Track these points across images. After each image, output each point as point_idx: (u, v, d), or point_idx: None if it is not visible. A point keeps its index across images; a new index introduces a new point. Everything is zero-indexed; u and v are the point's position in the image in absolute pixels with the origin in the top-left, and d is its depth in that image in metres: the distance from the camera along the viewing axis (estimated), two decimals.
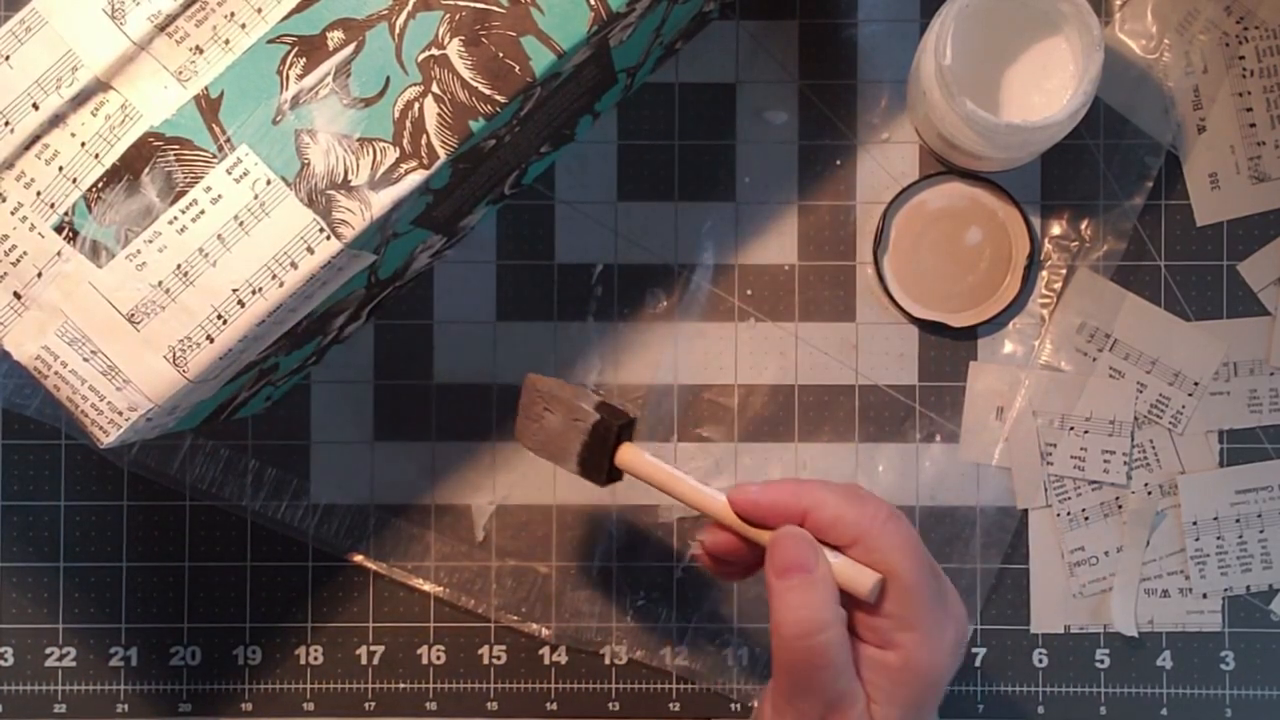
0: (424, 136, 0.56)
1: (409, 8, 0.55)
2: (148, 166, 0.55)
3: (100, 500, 0.73)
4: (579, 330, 0.73)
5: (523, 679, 0.73)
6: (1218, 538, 0.72)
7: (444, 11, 0.56)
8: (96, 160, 0.55)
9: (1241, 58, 0.72)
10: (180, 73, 0.55)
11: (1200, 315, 0.73)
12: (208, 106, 0.55)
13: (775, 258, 0.73)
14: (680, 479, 0.59)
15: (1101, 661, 0.73)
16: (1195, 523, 0.72)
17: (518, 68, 0.56)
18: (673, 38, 0.70)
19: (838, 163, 0.73)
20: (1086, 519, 0.73)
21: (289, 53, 0.55)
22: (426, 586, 0.73)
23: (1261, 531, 0.72)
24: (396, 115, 0.55)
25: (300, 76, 0.55)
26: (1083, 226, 0.73)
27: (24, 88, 0.55)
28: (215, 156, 0.55)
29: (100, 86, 0.55)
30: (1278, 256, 0.73)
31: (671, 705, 0.73)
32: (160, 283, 0.55)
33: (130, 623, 0.74)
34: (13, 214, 0.55)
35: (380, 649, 0.73)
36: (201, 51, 0.55)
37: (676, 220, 0.73)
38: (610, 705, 0.73)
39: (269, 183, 0.55)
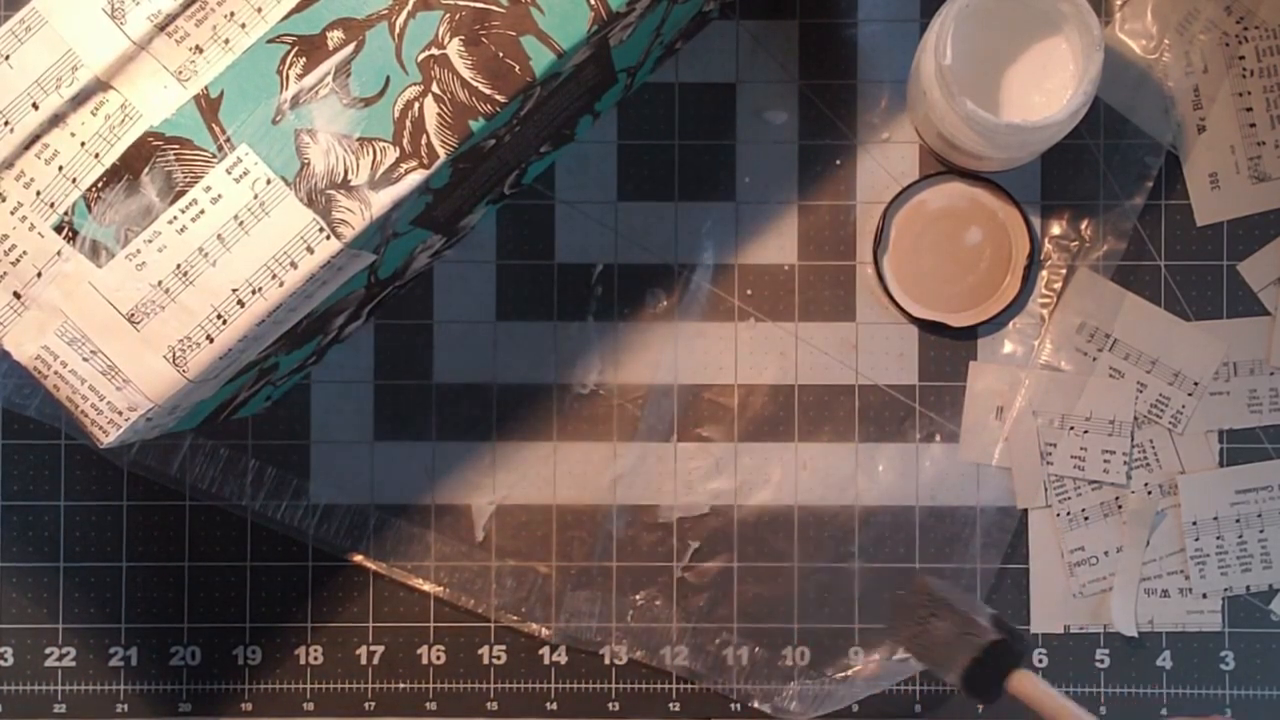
0: (424, 136, 0.56)
1: (409, 7, 0.55)
2: (148, 166, 0.55)
3: (100, 500, 0.73)
4: (579, 330, 0.73)
5: (523, 679, 0.73)
6: (1218, 538, 0.72)
7: (444, 11, 0.56)
8: (96, 160, 0.55)
9: (1241, 58, 0.72)
10: (180, 72, 0.55)
11: (1200, 315, 0.73)
12: (208, 106, 0.55)
13: (775, 258, 0.73)
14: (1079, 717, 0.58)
15: (1101, 661, 0.73)
16: (1195, 523, 0.72)
17: (518, 67, 0.56)
18: (673, 38, 0.70)
19: (838, 163, 0.73)
20: (1086, 519, 0.73)
21: (289, 52, 0.55)
22: (426, 586, 0.73)
23: (1261, 531, 0.72)
24: (396, 115, 0.55)
25: (300, 76, 0.55)
26: (1083, 226, 0.73)
27: (24, 87, 0.55)
28: (215, 156, 0.55)
29: (100, 86, 0.55)
30: (1278, 256, 0.73)
31: (671, 705, 0.73)
32: (160, 282, 0.55)
33: (130, 623, 0.74)
34: (13, 214, 0.55)
35: (380, 649, 0.73)
36: (201, 51, 0.55)
37: (676, 220, 0.73)
38: (610, 705, 0.73)
39: (269, 182, 0.55)
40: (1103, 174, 0.73)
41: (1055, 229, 0.73)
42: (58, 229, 0.55)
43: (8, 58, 0.55)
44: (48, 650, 0.73)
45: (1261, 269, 0.73)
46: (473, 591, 0.73)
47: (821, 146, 0.73)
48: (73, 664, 0.73)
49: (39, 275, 0.55)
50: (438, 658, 0.73)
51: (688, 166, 0.73)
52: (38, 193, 0.55)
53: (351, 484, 0.74)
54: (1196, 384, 0.72)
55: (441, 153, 0.56)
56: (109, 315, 0.55)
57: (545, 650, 0.73)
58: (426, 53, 0.56)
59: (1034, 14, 0.66)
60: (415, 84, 0.56)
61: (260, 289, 0.55)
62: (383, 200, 0.55)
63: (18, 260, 0.55)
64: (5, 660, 0.73)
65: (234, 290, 0.55)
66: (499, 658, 0.73)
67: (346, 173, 0.55)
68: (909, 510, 0.73)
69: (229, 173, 0.55)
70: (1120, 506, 0.73)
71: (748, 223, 0.73)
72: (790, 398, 0.73)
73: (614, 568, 0.73)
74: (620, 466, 0.73)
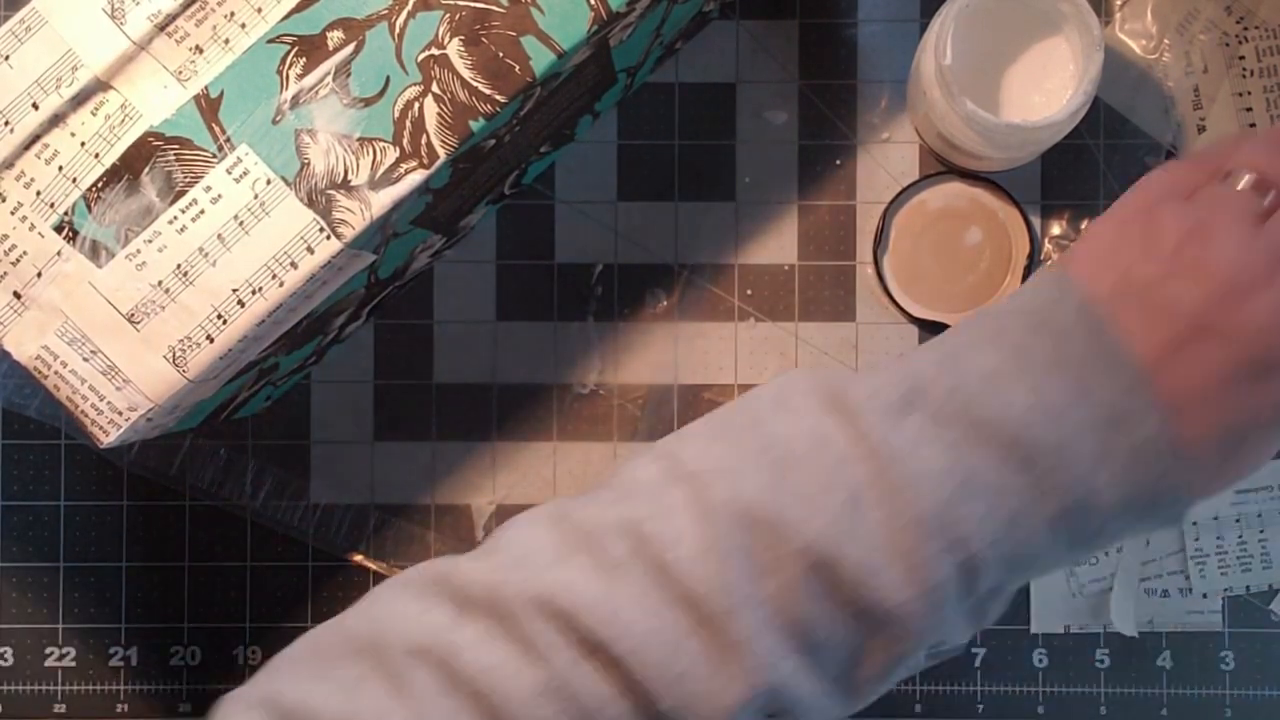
0: (424, 136, 0.56)
1: (409, 7, 0.55)
2: (148, 166, 0.55)
3: (100, 500, 0.73)
4: (579, 330, 0.73)
5: None
6: (1218, 538, 0.72)
7: (444, 11, 0.56)
8: (96, 160, 0.55)
9: (1241, 58, 0.72)
10: (180, 72, 0.55)
11: None
12: (208, 106, 0.55)
13: (775, 258, 0.73)
14: None
15: (1101, 661, 0.73)
16: (1195, 523, 0.72)
17: (518, 67, 0.56)
18: (673, 38, 0.70)
19: (838, 163, 0.73)
20: None
21: (289, 52, 0.55)
22: None
23: (1261, 531, 0.72)
24: (396, 115, 0.55)
25: (300, 76, 0.55)
26: (1083, 226, 0.73)
27: (24, 87, 0.55)
28: (215, 156, 0.55)
29: (100, 86, 0.55)
30: None
31: None
32: (160, 282, 0.55)
33: (130, 623, 0.73)
34: (13, 214, 0.55)
35: None
36: (201, 51, 0.55)
37: (676, 220, 0.73)
38: None
39: (269, 182, 0.55)
40: (1103, 174, 0.73)
41: (1055, 229, 0.73)
42: (58, 229, 0.55)
43: (8, 58, 0.55)
44: (48, 650, 0.73)
45: None
46: None
47: (821, 146, 0.73)
48: (73, 664, 0.73)
49: (39, 275, 0.55)
50: None
51: (688, 166, 0.73)
52: (38, 193, 0.55)
53: (351, 484, 0.74)
54: None
55: (441, 153, 0.56)
56: (109, 315, 0.55)
57: None
58: (426, 53, 0.56)
59: (1034, 14, 0.66)
60: (415, 84, 0.56)
61: (260, 289, 0.55)
62: (383, 200, 0.55)
63: (18, 260, 0.55)
64: (5, 660, 0.73)
65: (234, 290, 0.55)
66: None
67: (346, 173, 0.55)
68: None
69: (229, 173, 0.55)
70: None
71: (748, 223, 0.73)
72: None
73: None
74: None
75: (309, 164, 0.55)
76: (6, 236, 0.55)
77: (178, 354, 0.55)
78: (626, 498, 0.51)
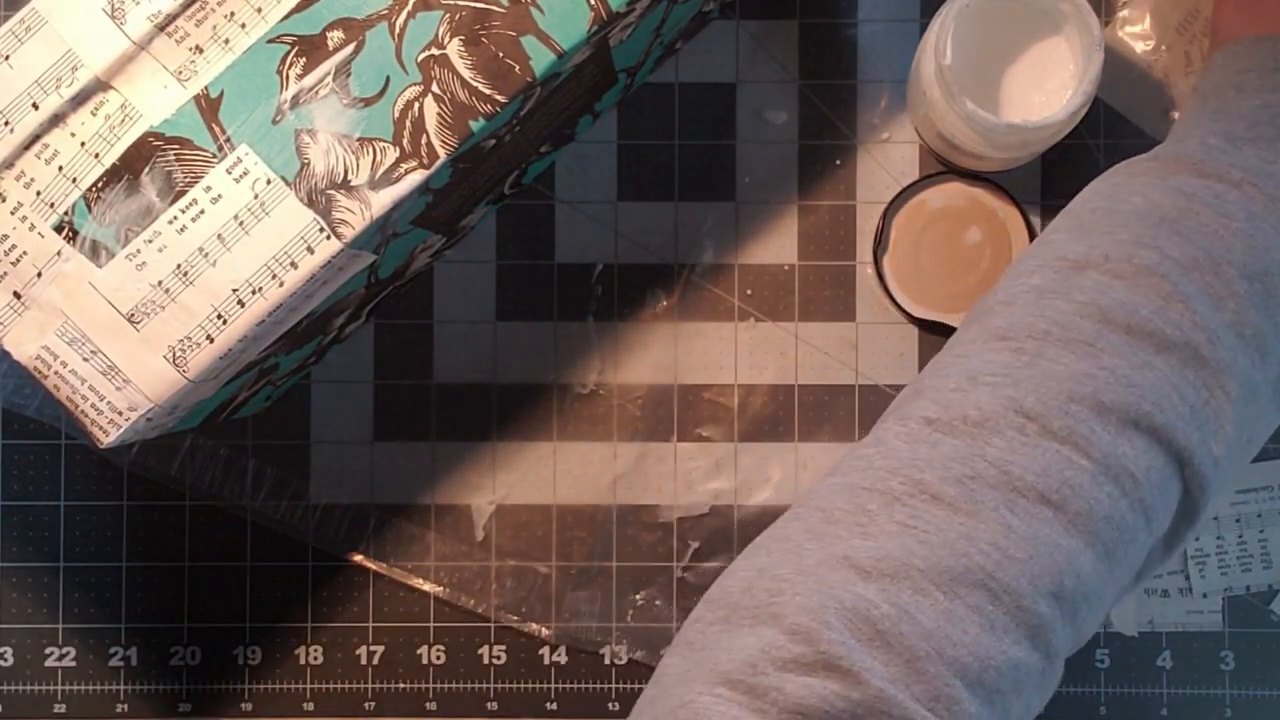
0: (424, 136, 0.56)
1: (409, 7, 0.55)
2: (148, 166, 0.55)
3: (100, 500, 0.73)
4: (579, 330, 0.73)
5: (523, 679, 0.73)
6: (1218, 538, 0.72)
7: (444, 11, 0.56)
8: (96, 160, 0.55)
9: None
10: (180, 72, 0.55)
11: None
12: (208, 106, 0.55)
13: (775, 258, 0.73)
14: None
15: (1101, 661, 0.73)
16: None
17: (518, 67, 0.56)
18: (673, 38, 0.70)
19: (838, 163, 0.73)
20: None
21: (289, 52, 0.55)
22: (426, 586, 0.73)
23: (1261, 531, 0.72)
24: (396, 115, 0.55)
25: (300, 76, 0.55)
26: None
27: (24, 87, 0.55)
28: (215, 156, 0.55)
29: (100, 86, 0.55)
30: None
31: None
32: (160, 282, 0.55)
33: (130, 623, 0.74)
34: (13, 214, 0.55)
35: (380, 649, 0.73)
36: (201, 51, 0.55)
37: (676, 220, 0.73)
38: (610, 705, 0.73)
39: (269, 182, 0.55)
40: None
41: None
42: (58, 229, 0.55)
43: (8, 58, 0.55)
44: (48, 650, 0.73)
45: None
46: (473, 591, 0.73)
47: (821, 146, 0.73)
48: (73, 664, 0.73)
49: (39, 275, 0.55)
50: (438, 658, 0.73)
51: (688, 166, 0.73)
52: (38, 193, 0.55)
53: (351, 484, 0.74)
54: None
55: (441, 153, 0.56)
56: (109, 315, 0.55)
57: (545, 650, 0.73)
58: (426, 53, 0.56)
59: (1034, 14, 0.66)
60: (415, 84, 0.56)
61: (260, 289, 0.55)
62: (383, 200, 0.55)
63: (18, 260, 0.55)
64: (5, 660, 0.73)
65: (234, 290, 0.55)
66: (499, 658, 0.73)
67: (346, 173, 0.55)
68: None
69: (229, 173, 0.55)
70: None
71: (748, 223, 0.73)
72: (790, 398, 0.73)
73: (614, 568, 0.73)
74: (620, 466, 0.73)
75: (309, 164, 0.55)
76: (6, 236, 0.55)
77: (178, 354, 0.55)
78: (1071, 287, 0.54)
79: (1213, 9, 0.63)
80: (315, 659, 0.73)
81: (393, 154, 0.56)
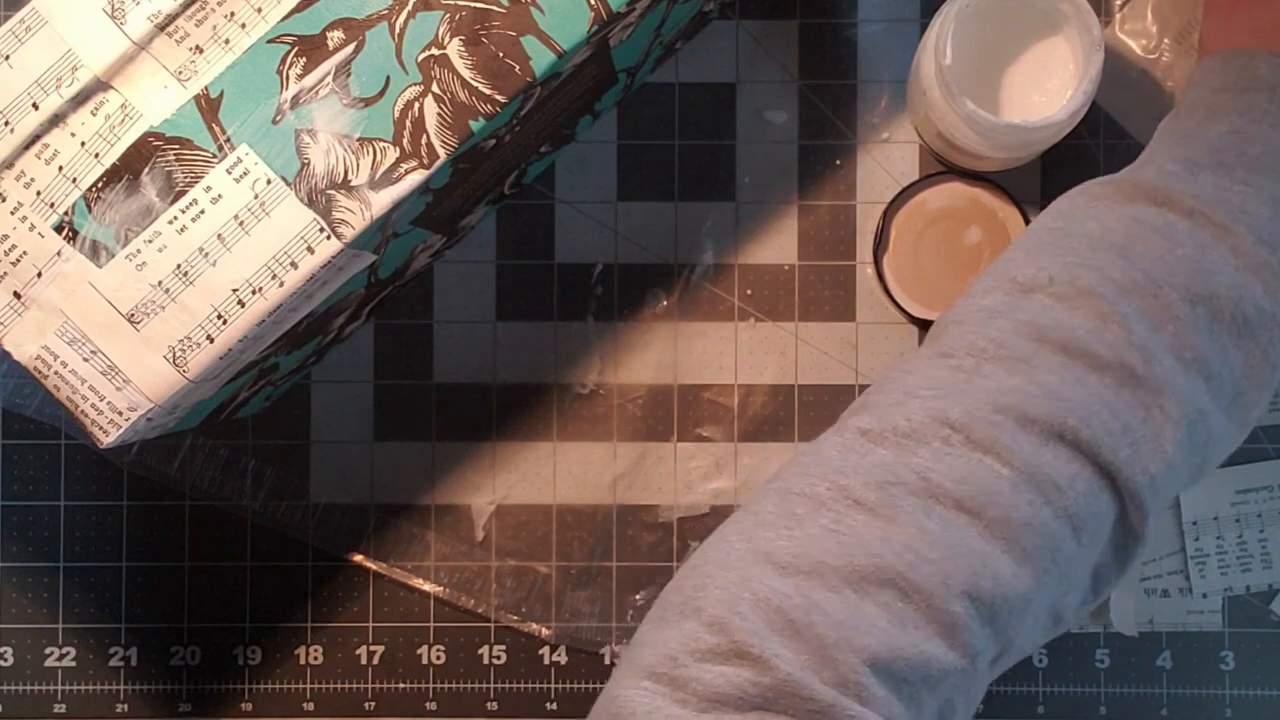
0: (424, 136, 0.56)
1: (409, 8, 0.55)
2: (148, 166, 0.55)
3: (100, 500, 0.73)
4: (579, 330, 0.73)
5: (523, 679, 0.73)
6: (1218, 538, 0.72)
7: (444, 11, 0.56)
8: (96, 160, 0.55)
9: None
10: (180, 72, 0.55)
11: None
12: (208, 106, 0.55)
13: (775, 257, 0.73)
14: None
15: (1101, 661, 0.73)
16: (1195, 523, 0.72)
17: (518, 67, 0.56)
18: (673, 38, 0.70)
19: (838, 163, 0.73)
20: None
21: (289, 52, 0.55)
22: (426, 586, 0.73)
23: (1261, 531, 0.72)
24: (396, 115, 0.55)
25: (300, 76, 0.55)
26: None
27: (24, 88, 0.55)
28: (215, 156, 0.55)
29: (100, 86, 0.55)
30: None
31: None
32: (160, 283, 0.55)
33: (130, 623, 0.74)
34: (13, 214, 0.55)
35: (380, 649, 0.73)
36: (201, 51, 0.55)
37: (676, 220, 0.73)
38: None
39: (269, 182, 0.55)
40: (1102, 174, 0.72)
41: None
42: (58, 229, 0.55)
43: (8, 58, 0.55)
44: (48, 650, 0.73)
45: None
46: (473, 591, 0.73)
47: (821, 146, 0.73)
48: (73, 664, 0.73)
49: (39, 275, 0.55)
50: (438, 658, 0.73)
51: (688, 166, 0.73)
52: (38, 193, 0.55)
53: (351, 484, 0.74)
54: None
55: (441, 153, 0.56)
56: (109, 315, 0.55)
57: (545, 650, 0.73)
58: (427, 53, 0.56)
59: (1034, 14, 0.66)
60: (415, 84, 0.56)
61: (260, 289, 0.55)
62: (383, 200, 0.55)
63: (18, 260, 0.55)
64: (5, 660, 0.73)
65: (234, 290, 0.55)
66: (499, 658, 0.73)
67: (347, 173, 0.55)
68: None
69: (229, 173, 0.55)
70: None
71: (748, 223, 0.73)
72: (790, 397, 0.73)
73: (614, 568, 0.73)
74: (620, 466, 0.73)
75: (309, 164, 0.55)
76: (6, 236, 0.55)
77: (178, 354, 0.55)
78: (1007, 308, 0.55)
79: (1202, 19, 0.63)
80: (315, 659, 0.73)
81: (393, 154, 0.56)
